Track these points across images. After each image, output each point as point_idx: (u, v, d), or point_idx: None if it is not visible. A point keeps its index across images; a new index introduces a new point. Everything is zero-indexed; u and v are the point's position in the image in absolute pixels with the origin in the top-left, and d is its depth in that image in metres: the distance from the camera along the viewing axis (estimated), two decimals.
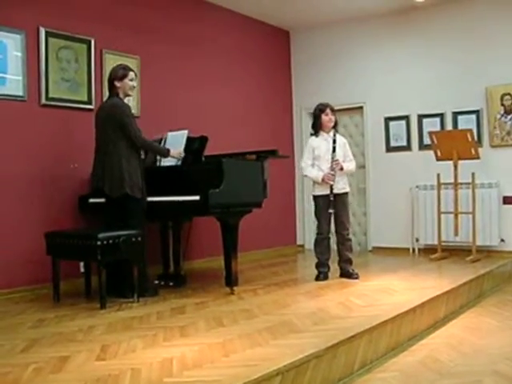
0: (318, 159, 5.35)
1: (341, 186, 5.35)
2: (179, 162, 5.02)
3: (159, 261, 5.49)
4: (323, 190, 5.30)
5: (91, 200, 5.13)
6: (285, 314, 3.96)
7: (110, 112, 4.63)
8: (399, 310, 3.94)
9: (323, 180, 5.26)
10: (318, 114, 5.40)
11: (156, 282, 5.22)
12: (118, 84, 4.69)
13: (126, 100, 4.76)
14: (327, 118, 5.36)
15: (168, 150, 4.90)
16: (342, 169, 5.31)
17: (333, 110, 5.39)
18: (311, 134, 5.52)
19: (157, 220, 5.45)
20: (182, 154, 4.99)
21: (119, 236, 4.35)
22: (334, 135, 5.36)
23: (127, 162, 4.60)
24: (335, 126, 5.43)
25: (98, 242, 4.21)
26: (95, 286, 4.50)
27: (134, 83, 4.81)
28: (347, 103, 7.72)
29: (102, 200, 4.78)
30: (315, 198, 5.41)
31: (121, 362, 2.94)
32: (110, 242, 4.28)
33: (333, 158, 5.27)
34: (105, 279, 4.27)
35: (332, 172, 5.25)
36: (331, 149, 5.30)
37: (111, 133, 4.61)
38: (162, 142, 5.22)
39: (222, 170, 4.63)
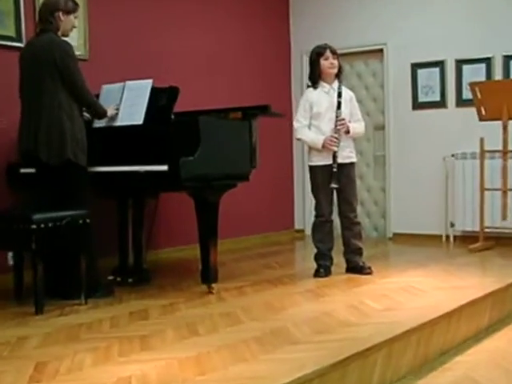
0: (316, 118, 5.32)
1: (346, 154, 5.33)
2: (111, 122, 5.05)
3: (115, 250, 5.47)
4: (323, 160, 5.29)
5: (23, 170, 5.08)
6: (278, 320, 3.96)
7: (46, 51, 4.56)
8: (428, 316, 3.95)
9: (324, 146, 5.24)
10: (315, 58, 5.34)
11: (110, 277, 5.22)
12: (61, 17, 4.66)
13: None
14: (327, 63, 5.30)
15: (105, 112, 4.90)
16: (348, 131, 5.30)
17: (334, 53, 5.33)
18: (308, 86, 5.49)
19: (112, 197, 5.44)
20: (114, 112, 5.01)
21: (62, 217, 4.33)
22: (339, 87, 5.32)
23: (70, 119, 4.56)
24: (339, 75, 5.39)
25: (33, 226, 4.18)
26: (29, 284, 4.47)
27: (76, 23, 4.85)
28: (361, 45, 7.69)
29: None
30: (312, 169, 5.40)
31: None
32: (50, 225, 4.26)
33: (337, 116, 5.24)
34: (42, 275, 4.25)
35: (336, 135, 5.23)
36: (335, 104, 5.27)
37: (48, 80, 4.55)
38: (119, 94, 5.17)
39: (197, 132, 4.62)
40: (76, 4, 4.76)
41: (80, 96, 4.62)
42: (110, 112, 5.00)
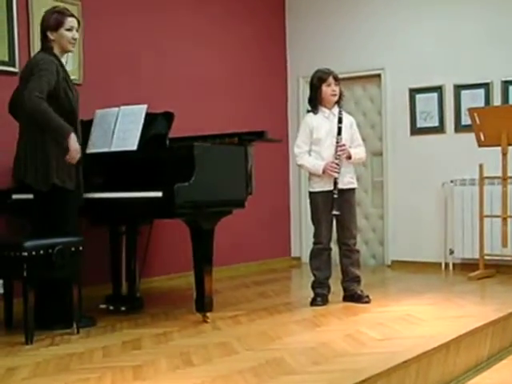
0: (317, 144, 5.35)
1: (347, 179, 5.36)
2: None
3: (106, 278, 5.46)
4: (324, 186, 5.31)
5: (15, 196, 5.07)
6: (274, 350, 3.94)
7: (26, 71, 4.57)
8: (427, 345, 3.93)
9: (324, 172, 5.26)
10: (316, 84, 5.39)
11: (103, 306, 5.20)
12: (51, 36, 4.59)
13: (63, 58, 4.68)
14: (329, 90, 5.35)
15: (68, 133, 4.43)
16: (349, 157, 5.32)
17: (337, 79, 5.39)
18: (308, 111, 5.52)
19: (105, 223, 5.43)
20: (77, 157, 4.52)
21: (54, 245, 4.31)
22: (340, 112, 5.36)
23: (55, 142, 4.47)
24: (340, 101, 5.43)
25: (25, 253, 4.16)
26: (19, 313, 4.44)
27: (76, 34, 4.66)
28: (359, 70, 7.71)
29: (29, 196, 4.71)
30: (313, 195, 5.42)
31: None
32: (41, 252, 4.24)
33: (338, 142, 5.27)
34: (33, 304, 4.23)
35: (336, 161, 5.25)
36: (335, 130, 5.30)
37: None
38: (113, 119, 5.16)
39: (192, 158, 4.62)
40: (61, 14, 4.59)
41: (22, 101, 4.39)
42: (73, 149, 4.46)
